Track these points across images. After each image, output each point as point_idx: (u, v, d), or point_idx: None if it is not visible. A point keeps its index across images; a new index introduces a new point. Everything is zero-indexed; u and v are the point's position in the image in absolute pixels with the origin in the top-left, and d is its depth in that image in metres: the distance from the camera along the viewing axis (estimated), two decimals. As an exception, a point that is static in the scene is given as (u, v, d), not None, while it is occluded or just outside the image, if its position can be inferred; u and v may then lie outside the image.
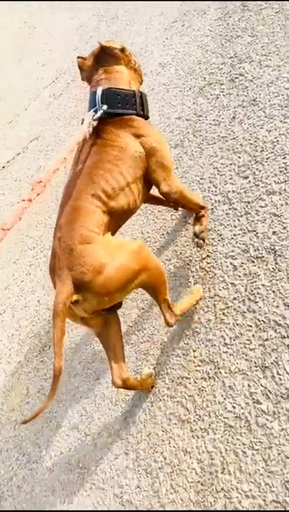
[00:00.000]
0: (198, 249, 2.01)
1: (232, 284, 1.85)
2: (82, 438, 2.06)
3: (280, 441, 1.51)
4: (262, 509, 1.47)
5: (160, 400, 1.87)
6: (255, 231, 1.88)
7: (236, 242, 1.92)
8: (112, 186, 1.65)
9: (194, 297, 1.88)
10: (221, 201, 2.06)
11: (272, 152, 1.98)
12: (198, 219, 1.95)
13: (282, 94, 2.07)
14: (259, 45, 2.35)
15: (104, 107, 1.72)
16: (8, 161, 3.93)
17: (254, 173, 2.00)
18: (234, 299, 1.82)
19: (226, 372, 1.72)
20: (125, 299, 2.18)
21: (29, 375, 2.49)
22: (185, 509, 1.64)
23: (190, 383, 1.80)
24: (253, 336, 1.70)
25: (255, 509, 1.48)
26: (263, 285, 1.76)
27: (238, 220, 1.96)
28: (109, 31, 3.69)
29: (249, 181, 2.00)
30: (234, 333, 1.76)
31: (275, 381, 1.58)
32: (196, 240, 1.96)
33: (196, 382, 1.79)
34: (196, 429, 1.71)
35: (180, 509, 1.65)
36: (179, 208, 2.18)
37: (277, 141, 1.99)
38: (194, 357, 1.84)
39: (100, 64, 1.84)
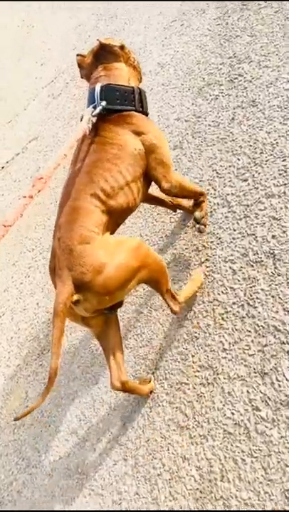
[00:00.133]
0: (200, 235, 2.02)
1: (231, 288, 1.83)
2: (80, 443, 2.05)
3: (279, 449, 1.49)
4: (262, 509, 1.46)
5: (159, 405, 1.85)
6: (254, 235, 1.86)
7: (235, 246, 1.90)
8: (112, 185, 1.64)
9: (196, 282, 1.89)
10: (220, 204, 2.04)
11: (271, 154, 1.96)
12: (197, 205, 1.95)
13: (282, 96, 2.05)
14: (258, 45, 2.32)
15: (103, 103, 1.71)
16: (7, 162, 3.92)
17: (253, 175, 1.98)
18: (233, 303, 1.80)
19: (224, 378, 1.70)
20: (124, 302, 2.17)
21: (28, 378, 2.47)
22: (185, 509, 1.63)
23: (189, 389, 1.79)
24: (252, 341, 1.68)
25: (256, 509, 1.47)
26: (262, 290, 1.74)
27: (237, 223, 1.94)
28: (108, 30, 3.66)
29: (248, 184, 1.98)
30: (233, 338, 1.74)
31: (274, 388, 1.57)
32: (198, 226, 1.97)
33: (194, 388, 1.77)
34: (194, 436, 1.70)
35: (180, 509, 1.64)
36: (178, 210, 2.17)
37: (277, 143, 1.97)
38: (193, 362, 1.82)
39: (100, 61, 1.84)
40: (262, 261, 1.78)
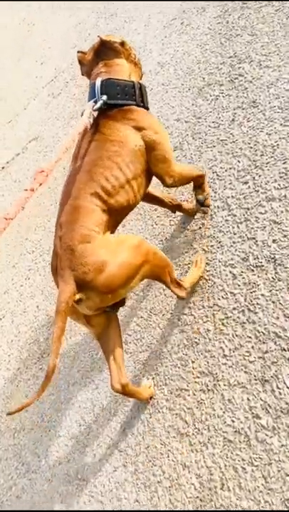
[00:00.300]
0: (204, 215, 2.03)
1: (231, 293, 1.81)
2: (80, 449, 2.03)
3: (279, 457, 1.47)
4: (262, 509, 1.45)
5: (159, 411, 1.84)
6: (254, 239, 1.83)
7: (236, 250, 1.87)
8: (112, 184, 1.64)
9: (199, 267, 1.90)
10: (220, 207, 2.02)
11: (272, 157, 1.93)
12: (199, 187, 1.96)
13: (283, 97, 2.02)
14: (259, 44, 2.29)
15: (104, 97, 1.70)
16: (7, 162, 3.90)
17: (254, 178, 1.95)
18: (234, 309, 1.78)
19: (225, 385, 1.68)
20: (123, 307, 2.15)
21: (28, 382, 2.46)
22: (185, 509, 1.62)
23: (189, 395, 1.77)
24: (253, 347, 1.66)
25: (255, 509, 1.46)
26: (262, 295, 1.72)
27: (238, 226, 1.91)
28: (108, 29, 3.63)
29: (249, 187, 1.95)
30: (233, 344, 1.72)
31: (274, 395, 1.55)
32: (202, 208, 2.01)
33: (194, 395, 1.76)
34: (194, 443, 1.68)
35: (180, 509, 1.63)
36: (177, 212, 2.15)
37: (278, 145, 1.94)
38: (193, 368, 1.80)
39: (100, 58, 1.83)
40: (262, 266, 1.76)
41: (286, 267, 1.69)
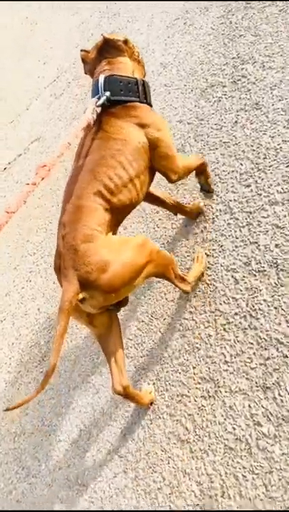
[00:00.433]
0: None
1: (233, 298, 1.79)
2: (81, 454, 2.02)
3: (281, 466, 1.45)
4: (262, 509, 1.44)
5: (159, 417, 1.82)
6: (257, 243, 1.81)
7: (238, 255, 1.85)
8: (115, 183, 1.63)
9: (201, 263, 1.92)
10: (222, 210, 1.99)
11: (275, 160, 1.90)
12: (201, 173, 2.00)
13: (286, 98, 1.99)
14: (262, 45, 2.26)
15: (107, 93, 1.69)
16: (9, 163, 3.88)
17: (256, 181, 1.93)
18: (235, 314, 1.76)
19: (226, 392, 1.66)
20: (124, 310, 2.13)
21: (29, 385, 2.45)
22: (186, 509, 1.60)
23: (190, 401, 1.75)
24: (254, 354, 1.64)
25: (255, 509, 1.45)
26: (264, 300, 1.69)
27: (240, 230, 1.89)
28: (111, 28, 3.61)
29: (251, 190, 1.93)
30: (235, 350, 1.70)
31: (276, 403, 1.53)
32: (204, 192, 2.07)
33: (195, 401, 1.74)
34: (195, 450, 1.66)
35: (180, 509, 1.61)
36: (179, 215, 2.13)
37: (281, 148, 1.91)
38: (194, 374, 1.78)
39: (103, 56, 1.83)
40: (265, 271, 1.74)
41: (289, 273, 1.67)
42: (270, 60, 2.17)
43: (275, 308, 1.65)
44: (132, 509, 1.76)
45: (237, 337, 1.71)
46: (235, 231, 1.90)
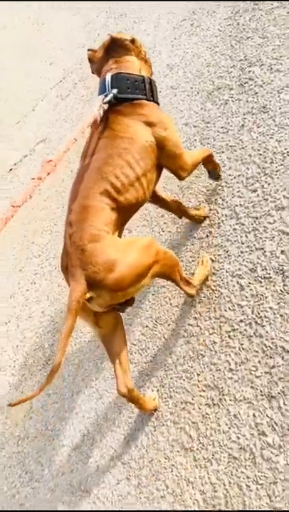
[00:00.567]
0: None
1: (238, 305, 1.77)
2: (84, 459, 2.01)
3: (285, 476, 1.43)
4: (263, 509, 1.43)
5: (163, 424, 1.80)
6: (262, 249, 1.79)
7: (243, 260, 1.83)
8: (122, 182, 1.63)
9: (205, 266, 1.91)
10: (228, 215, 1.97)
11: (282, 164, 1.88)
12: (208, 162, 2.01)
13: (294, 102, 1.97)
14: (270, 47, 2.23)
15: (115, 90, 1.68)
16: (15, 164, 3.88)
17: (263, 186, 1.91)
18: (240, 321, 1.74)
19: (230, 400, 1.64)
20: (129, 315, 2.12)
21: (33, 388, 2.44)
22: (185, 510, 1.59)
23: (194, 409, 1.73)
24: (260, 362, 1.62)
25: (255, 509, 1.44)
26: (270, 308, 1.67)
27: (246, 236, 1.87)
28: (117, 29, 3.58)
29: (257, 195, 1.91)
30: (240, 358, 1.68)
31: (281, 412, 1.51)
32: (214, 178, 2.07)
33: (200, 408, 1.72)
34: (199, 459, 1.65)
35: (181, 509, 1.60)
36: (184, 219, 2.11)
37: (288, 152, 1.89)
38: (198, 381, 1.77)
39: (110, 55, 1.82)
40: (270, 277, 1.72)
41: (295, 280, 1.64)
42: (278, 63, 2.15)
43: (281, 316, 1.63)
44: (132, 509, 1.75)
45: (242, 344, 1.69)
46: (241, 236, 1.88)
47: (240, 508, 1.49)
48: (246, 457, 1.53)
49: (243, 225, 1.90)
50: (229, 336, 1.74)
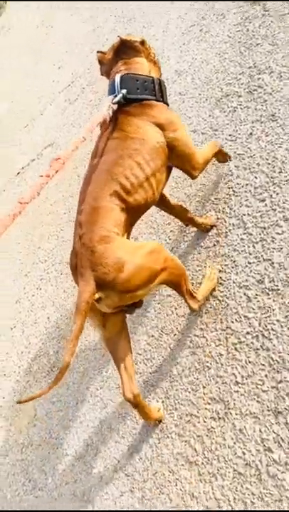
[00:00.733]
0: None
1: (245, 316, 1.74)
2: (87, 470, 1.99)
3: (291, 494, 1.41)
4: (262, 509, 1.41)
5: (168, 437, 1.78)
6: (270, 260, 1.76)
7: (251, 271, 1.80)
8: (132, 183, 1.63)
9: (211, 280, 1.88)
10: (235, 225, 1.95)
11: (291, 174, 1.85)
12: (219, 156, 2.05)
13: (303, 111, 1.94)
14: (280, 54, 2.21)
15: (124, 91, 1.68)
16: (22, 167, 3.88)
17: (271, 195, 1.88)
18: (247, 333, 1.71)
19: (236, 414, 1.62)
20: (134, 324, 2.10)
21: (37, 396, 2.43)
22: (185, 509, 1.58)
23: (199, 422, 1.71)
24: (266, 376, 1.60)
25: (255, 509, 1.42)
26: (277, 321, 1.65)
27: (253, 246, 1.84)
28: (126, 33, 3.57)
29: (266, 204, 1.88)
30: (246, 371, 1.65)
31: (288, 428, 1.48)
32: (223, 161, 2.12)
33: (205, 422, 1.70)
34: (204, 473, 1.62)
35: (181, 509, 1.58)
36: (190, 226, 2.09)
37: (297, 162, 1.86)
38: (204, 394, 1.74)
39: (120, 57, 1.83)
40: (278, 289, 1.69)
41: (303, 293, 1.62)
42: (288, 71, 2.12)
43: (289, 329, 1.60)
44: (133, 509, 1.73)
45: (249, 357, 1.67)
46: (249, 247, 1.86)
47: (245, 525, 1.47)
48: (252, 473, 1.51)
49: (251, 234, 1.88)
50: (236, 349, 1.72)
